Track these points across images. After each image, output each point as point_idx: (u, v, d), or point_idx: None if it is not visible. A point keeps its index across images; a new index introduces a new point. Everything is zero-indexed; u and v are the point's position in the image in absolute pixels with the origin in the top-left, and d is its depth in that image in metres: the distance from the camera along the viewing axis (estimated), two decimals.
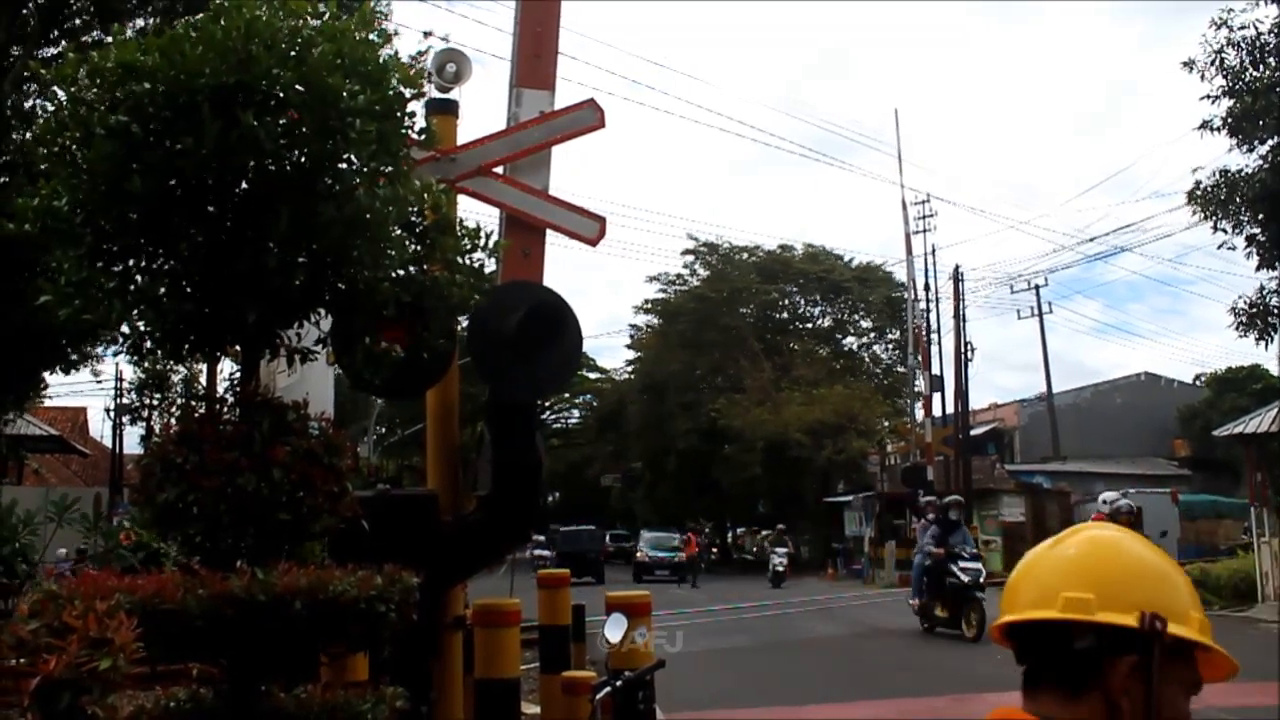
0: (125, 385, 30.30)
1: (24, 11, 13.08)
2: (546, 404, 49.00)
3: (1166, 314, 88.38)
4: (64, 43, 13.15)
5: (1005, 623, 1.37)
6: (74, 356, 14.78)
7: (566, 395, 53.13)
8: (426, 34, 4.67)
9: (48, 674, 2.75)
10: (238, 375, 4.30)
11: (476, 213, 8.55)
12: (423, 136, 4.62)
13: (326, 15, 4.10)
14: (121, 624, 2.94)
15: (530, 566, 28.53)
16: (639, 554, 35.61)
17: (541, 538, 36.76)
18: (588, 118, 6.53)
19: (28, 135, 11.87)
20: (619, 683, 4.00)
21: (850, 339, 47.79)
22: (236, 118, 3.70)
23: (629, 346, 50.71)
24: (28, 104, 13.40)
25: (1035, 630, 1.32)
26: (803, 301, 47.27)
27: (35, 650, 2.84)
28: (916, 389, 33.44)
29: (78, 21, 13.79)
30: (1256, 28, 17.57)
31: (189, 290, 4.03)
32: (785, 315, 47.31)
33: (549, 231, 6.51)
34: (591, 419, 54.07)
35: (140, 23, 12.72)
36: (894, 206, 41.90)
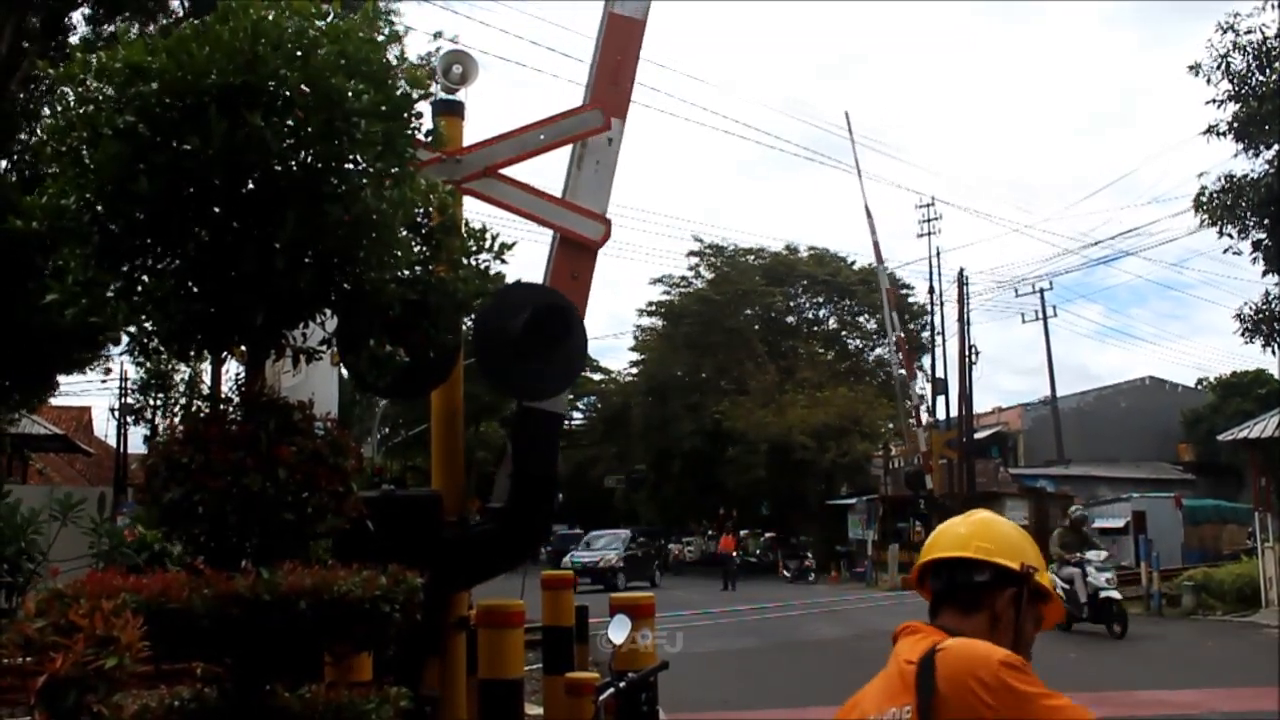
0: (129, 385, 30.35)
1: (30, 12, 13.10)
2: None
3: (1170, 318, 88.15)
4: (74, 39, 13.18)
5: (933, 559, 1.96)
6: (81, 356, 14.80)
7: (570, 397, 52.98)
8: (436, 35, 4.69)
9: (54, 672, 2.76)
10: (243, 375, 4.31)
11: (485, 214, 8.55)
12: (429, 138, 4.63)
13: (331, 16, 4.10)
14: (127, 623, 2.95)
15: (546, 562, 29.64)
16: (566, 559, 29.93)
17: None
18: (593, 120, 6.55)
19: (38, 132, 11.90)
20: (622, 684, 4.00)
21: (855, 341, 47.74)
22: (243, 118, 3.71)
23: (633, 348, 50.67)
24: (35, 104, 13.42)
25: (947, 567, 1.93)
26: (807, 304, 47.24)
27: (42, 648, 2.85)
28: (910, 401, 33.44)
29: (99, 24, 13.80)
30: (1263, 32, 17.56)
31: (195, 290, 4.04)
32: (790, 318, 47.26)
33: (549, 233, 6.53)
34: (595, 420, 53.95)
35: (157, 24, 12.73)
36: (897, 208, 41.85)
